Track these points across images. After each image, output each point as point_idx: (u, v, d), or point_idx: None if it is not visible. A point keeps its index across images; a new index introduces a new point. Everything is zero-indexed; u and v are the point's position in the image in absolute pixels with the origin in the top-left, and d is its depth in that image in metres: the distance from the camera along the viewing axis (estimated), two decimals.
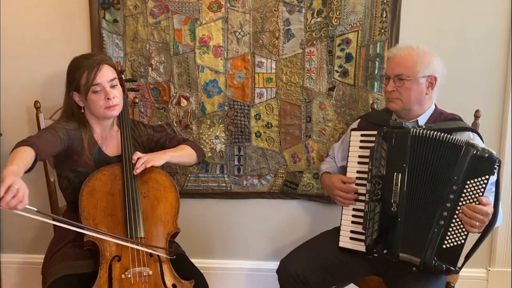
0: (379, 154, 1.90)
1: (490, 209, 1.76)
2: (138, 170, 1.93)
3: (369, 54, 2.42)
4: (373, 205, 1.91)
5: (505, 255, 2.60)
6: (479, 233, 1.81)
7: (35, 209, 1.58)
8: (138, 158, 1.95)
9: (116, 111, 1.99)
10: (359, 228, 1.98)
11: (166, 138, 2.20)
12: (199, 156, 2.19)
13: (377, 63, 2.41)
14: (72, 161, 1.97)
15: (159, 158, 2.00)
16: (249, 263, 2.73)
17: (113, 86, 1.96)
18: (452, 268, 1.80)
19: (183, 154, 2.13)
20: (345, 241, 2.03)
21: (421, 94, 1.99)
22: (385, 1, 2.36)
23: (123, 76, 2.20)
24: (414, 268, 1.85)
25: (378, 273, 2.05)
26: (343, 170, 2.11)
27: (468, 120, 2.12)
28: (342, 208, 2.06)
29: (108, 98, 1.94)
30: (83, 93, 1.94)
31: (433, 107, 2.06)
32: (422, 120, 2.04)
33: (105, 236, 1.81)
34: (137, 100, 2.46)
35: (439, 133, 1.84)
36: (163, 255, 1.89)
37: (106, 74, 1.94)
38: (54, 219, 1.81)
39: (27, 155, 1.72)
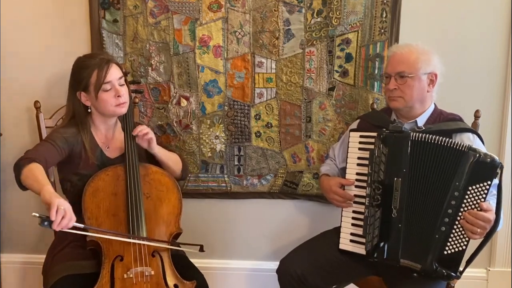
0: (378, 159, 1.88)
1: (492, 216, 1.73)
2: (137, 132, 1.98)
3: (369, 54, 2.42)
4: (373, 211, 1.89)
5: (505, 255, 2.61)
6: (480, 239, 1.79)
7: (82, 226, 1.75)
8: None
9: (125, 109, 2.01)
10: (359, 231, 1.97)
11: None
12: (183, 170, 2.20)
13: (377, 63, 2.41)
14: (74, 164, 1.98)
15: (155, 143, 2.05)
16: (249, 263, 2.72)
17: (121, 85, 1.99)
18: (453, 274, 1.79)
19: (172, 157, 2.15)
20: (345, 243, 2.02)
21: (423, 91, 1.98)
22: (385, 1, 2.36)
23: (127, 78, 2.21)
24: (415, 274, 1.84)
25: (378, 273, 2.05)
26: (344, 172, 2.07)
27: (468, 120, 2.11)
28: (342, 210, 2.05)
29: (118, 96, 1.96)
30: (93, 92, 1.95)
31: (432, 107, 2.05)
32: (421, 121, 2.02)
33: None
34: (137, 100, 2.46)
35: (439, 137, 1.82)
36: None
37: (115, 73, 1.97)
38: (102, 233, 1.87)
39: (43, 171, 1.78)
